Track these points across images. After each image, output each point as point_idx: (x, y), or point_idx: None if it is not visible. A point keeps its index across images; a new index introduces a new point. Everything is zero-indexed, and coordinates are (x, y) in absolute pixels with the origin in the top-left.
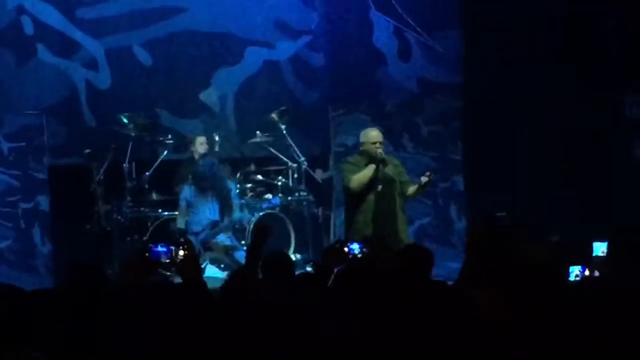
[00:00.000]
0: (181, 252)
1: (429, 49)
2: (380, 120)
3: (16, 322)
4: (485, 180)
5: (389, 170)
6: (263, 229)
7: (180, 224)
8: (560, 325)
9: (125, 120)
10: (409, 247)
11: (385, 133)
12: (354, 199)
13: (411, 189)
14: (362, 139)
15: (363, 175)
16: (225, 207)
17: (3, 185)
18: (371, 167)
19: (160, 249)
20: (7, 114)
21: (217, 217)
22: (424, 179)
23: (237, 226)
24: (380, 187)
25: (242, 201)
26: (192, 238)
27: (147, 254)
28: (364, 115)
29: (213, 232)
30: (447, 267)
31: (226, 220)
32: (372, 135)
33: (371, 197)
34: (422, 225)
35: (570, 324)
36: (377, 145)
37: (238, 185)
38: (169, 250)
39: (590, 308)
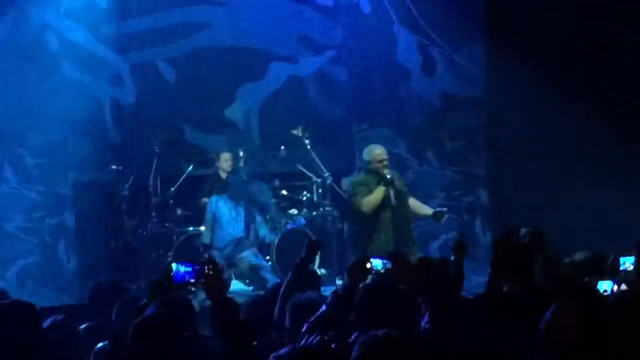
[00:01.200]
0: (206, 272)
1: (452, 63)
2: (404, 135)
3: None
4: (510, 194)
5: (399, 184)
6: (314, 246)
7: (206, 238)
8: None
9: (149, 136)
10: (441, 262)
11: (409, 148)
12: (370, 218)
13: (416, 205)
14: (367, 158)
15: (374, 198)
16: (251, 222)
17: (28, 201)
18: (380, 190)
19: (184, 269)
20: (32, 130)
21: (242, 233)
22: (439, 214)
23: (262, 243)
24: (394, 200)
25: (267, 216)
26: (216, 253)
27: (171, 274)
28: (388, 130)
29: (237, 249)
30: (472, 281)
31: (251, 237)
32: (377, 153)
33: (387, 214)
34: (447, 239)
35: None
36: (384, 162)
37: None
38: (194, 270)
39: (624, 322)
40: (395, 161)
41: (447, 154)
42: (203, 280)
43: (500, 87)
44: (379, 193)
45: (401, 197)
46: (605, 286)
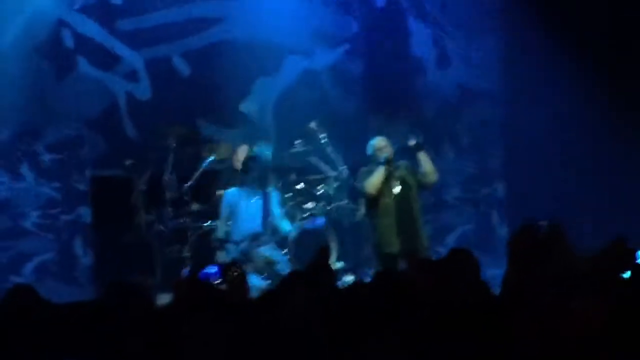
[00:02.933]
0: (231, 274)
1: (467, 56)
2: (420, 128)
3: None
4: (527, 186)
5: (402, 173)
6: (324, 252)
7: (221, 232)
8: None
9: (165, 131)
10: (455, 254)
11: (426, 141)
12: (374, 203)
13: (424, 167)
14: (369, 151)
15: (375, 178)
16: (267, 216)
17: (45, 197)
18: (380, 169)
19: (210, 270)
20: (49, 125)
21: (259, 228)
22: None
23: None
24: (398, 187)
25: (285, 210)
26: (232, 247)
27: (197, 275)
28: (404, 122)
29: (254, 244)
30: (490, 274)
31: (268, 232)
32: (376, 143)
33: (389, 200)
34: (464, 231)
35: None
36: (383, 151)
37: (287, 195)
38: (219, 272)
39: None
40: (411, 154)
41: (464, 147)
42: (228, 281)
43: (516, 80)
44: (379, 172)
45: (406, 185)
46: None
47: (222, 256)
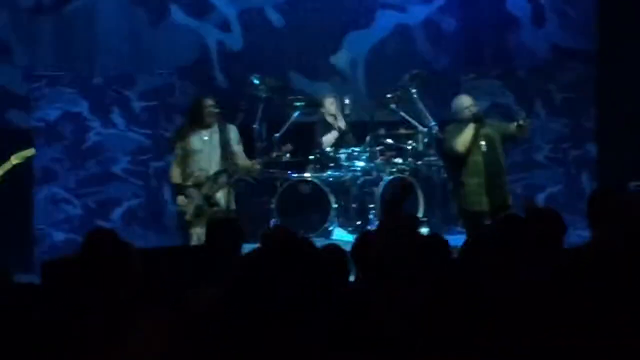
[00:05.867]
0: None
1: (563, 14)
2: (512, 86)
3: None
4: (620, 148)
5: (488, 129)
6: (406, 187)
7: None
8: None
9: (256, 82)
10: (543, 211)
11: (517, 99)
12: (461, 162)
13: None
14: (455, 109)
15: (465, 135)
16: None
17: (135, 143)
18: (471, 127)
19: None
20: (140, 73)
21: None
22: (518, 124)
23: None
24: (484, 145)
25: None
26: None
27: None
28: (496, 80)
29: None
30: (579, 236)
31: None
32: (464, 100)
33: (478, 158)
34: (553, 193)
35: None
36: (471, 109)
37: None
38: None
39: None
40: (503, 112)
41: (556, 106)
42: None
43: (612, 39)
44: (469, 130)
45: (493, 146)
46: None
47: None
